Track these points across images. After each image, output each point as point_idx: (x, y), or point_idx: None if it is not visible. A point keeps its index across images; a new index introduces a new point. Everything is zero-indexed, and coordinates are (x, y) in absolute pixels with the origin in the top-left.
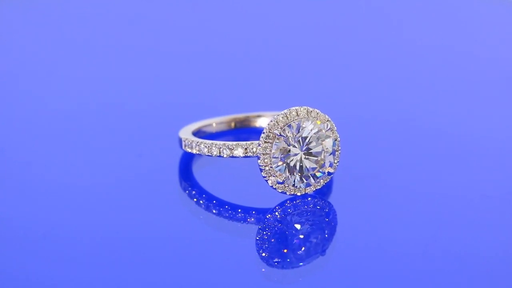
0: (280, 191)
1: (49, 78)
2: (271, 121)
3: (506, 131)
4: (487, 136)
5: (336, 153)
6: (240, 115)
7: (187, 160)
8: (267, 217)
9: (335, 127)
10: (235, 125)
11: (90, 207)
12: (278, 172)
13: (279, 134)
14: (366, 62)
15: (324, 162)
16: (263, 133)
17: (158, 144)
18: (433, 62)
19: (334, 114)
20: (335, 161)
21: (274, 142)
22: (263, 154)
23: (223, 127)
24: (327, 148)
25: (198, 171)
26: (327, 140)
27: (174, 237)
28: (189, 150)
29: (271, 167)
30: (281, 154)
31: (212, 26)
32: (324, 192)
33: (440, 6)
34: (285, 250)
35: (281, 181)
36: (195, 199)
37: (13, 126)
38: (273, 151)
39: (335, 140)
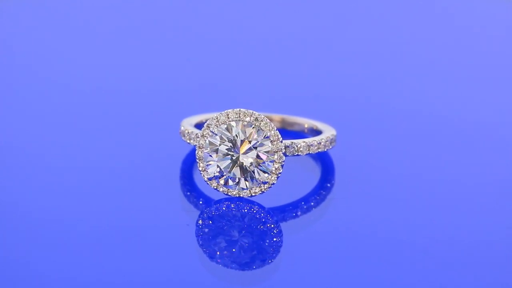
0: (212, 187)
1: (55, 68)
2: (211, 118)
3: (506, 128)
4: (486, 134)
5: (276, 164)
6: None
7: (190, 156)
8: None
9: (281, 138)
10: None
11: (88, 199)
12: (209, 168)
13: (212, 131)
14: (370, 59)
15: (255, 170)
16: (202, 127)
17: (161, 137)
18: (432, 61)
19: (338, 113)
20: (275, 172)
21: (208, 139)
22: (198, 147)
23: None
24: (261, 157)
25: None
26: (264, 148)
27: (169, 236)
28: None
29: (204, 161)
30: (212, 152)
31: (224, 24)
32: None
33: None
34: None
35: (210, 177)
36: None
37: (13, 121)
38: (207, 148)
39: (276, 152)
